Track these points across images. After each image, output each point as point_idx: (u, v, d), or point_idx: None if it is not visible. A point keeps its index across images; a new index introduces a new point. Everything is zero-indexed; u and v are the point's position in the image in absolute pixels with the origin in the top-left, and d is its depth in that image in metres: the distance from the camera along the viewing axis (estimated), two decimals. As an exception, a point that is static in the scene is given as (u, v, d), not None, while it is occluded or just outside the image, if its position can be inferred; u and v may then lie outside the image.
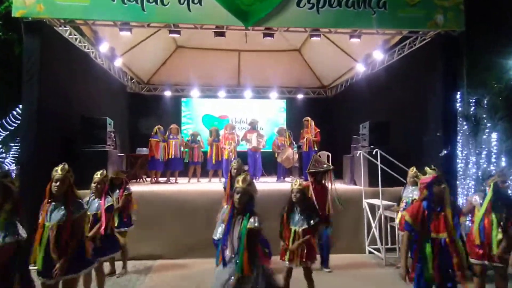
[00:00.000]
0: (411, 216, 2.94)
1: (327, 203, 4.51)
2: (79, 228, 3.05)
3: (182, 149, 8.46)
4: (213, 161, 8.43)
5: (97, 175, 3.99)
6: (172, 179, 8.45)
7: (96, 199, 3.94)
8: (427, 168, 3.02)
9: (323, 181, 4.57)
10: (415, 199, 4.51)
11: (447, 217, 2.85)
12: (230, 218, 2.70)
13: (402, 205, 4.94)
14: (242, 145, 8.98)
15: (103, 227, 3.78)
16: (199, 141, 8.81)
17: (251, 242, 2.58)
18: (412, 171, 4.98)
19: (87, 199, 3.94)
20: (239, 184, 2.66)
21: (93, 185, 3.96)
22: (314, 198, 4.32)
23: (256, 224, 2.61)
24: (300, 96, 11.75)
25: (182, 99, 11.65)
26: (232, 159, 7.80)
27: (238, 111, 11.84)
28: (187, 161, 8.62)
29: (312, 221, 3.60)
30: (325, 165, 4.59)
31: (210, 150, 8.56)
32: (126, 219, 4.88)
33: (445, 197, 2.89)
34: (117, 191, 4.81)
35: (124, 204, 4.83)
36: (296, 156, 8.41)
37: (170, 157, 8.18)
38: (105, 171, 4.08)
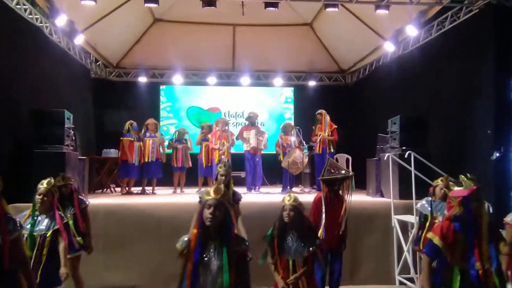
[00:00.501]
0: (442, 239, 2.89)
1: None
2: (21, 250, 3.02)
3: (161, 150, 8.41)
4: (204, 165, 8.38)
5: (42, 185, 3.92)
6: (149, 189, 8.41)
7: (43, 216, 3.87)
8: (462, 177, 2.95)
9: (340, 192, 4.54)
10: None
11: (482, 243, 2.82)
12: (199, 247, 2.64)
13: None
14: (238, 146, 8.96)
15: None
16: (186, 140, 8.76)
17: (240, 272, 2.55)
18: (444, 180, 4.79)
19: (25, 213, 3.88)
20: (210, 195, 2.60)
21: (38, 197, 3.88)
22: (325, 214, 4.31)
23: (243, 246, 2.61)
24: (311, 83, 11.75)
25: (161, 87, 11.65)
26: (225, 163, 7.77)
27: (233, 102, 11.84)
28: (174, 165, 8.53)
29: (314, 247, 3.52)
30: (343, 171, 4.55)
31: (200, 151, 8.50)
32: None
33: (483, 217, 2.86)
34: (70, 206, 4.69)
35: (82, 220, 4.75)
36: (306, 160, 8.39)
37: (146, 160, 8.09)
38: (52, 180, 4.02)
